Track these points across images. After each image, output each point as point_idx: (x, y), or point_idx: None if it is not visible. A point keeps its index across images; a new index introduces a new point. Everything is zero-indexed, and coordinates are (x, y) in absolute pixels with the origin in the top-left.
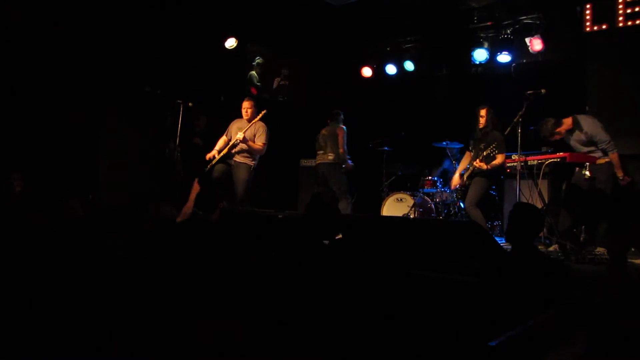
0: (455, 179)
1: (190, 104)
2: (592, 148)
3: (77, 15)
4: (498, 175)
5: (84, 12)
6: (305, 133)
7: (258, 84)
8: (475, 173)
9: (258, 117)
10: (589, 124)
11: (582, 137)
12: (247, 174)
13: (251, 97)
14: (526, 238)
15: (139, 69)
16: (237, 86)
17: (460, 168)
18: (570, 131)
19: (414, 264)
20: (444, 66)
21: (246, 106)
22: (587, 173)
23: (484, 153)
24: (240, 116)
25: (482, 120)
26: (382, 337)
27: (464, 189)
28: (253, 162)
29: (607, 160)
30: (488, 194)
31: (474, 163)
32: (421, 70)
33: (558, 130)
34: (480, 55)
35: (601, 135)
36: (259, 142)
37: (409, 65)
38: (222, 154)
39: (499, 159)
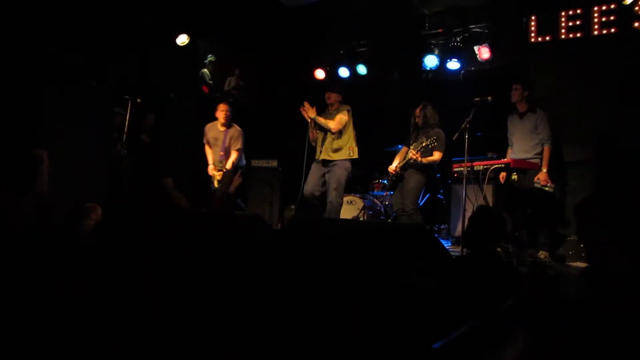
0: (391, 167)
1: (138, 100)
2: (534, 142)
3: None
4: (432, 175)
5: None
6: (255, 133)
7: (210, 82)
8: (409, 165)
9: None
10: (542, 112)
11: (533, 122)
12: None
13: (227, 102)
14: (487, 242)
15: (85, 62)
16: (188, 84)
17: (395, 160)
18: (522, 114)
19: (360, 266)
20: (396, 71)
21: (223, 108)
22: (515, 177)
23: (423, 144)
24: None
25: (419, 120)
26: (322, 340)
27: (394, 178)
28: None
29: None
30: (423, 193)
31: (409, 153)
32: (373, 75)
33: (526, 92)
34: (430, 61)
35: (547, 126)
36: (235, 150)
37: (361, 69)
38: (221, 173)
39: (436, 155)
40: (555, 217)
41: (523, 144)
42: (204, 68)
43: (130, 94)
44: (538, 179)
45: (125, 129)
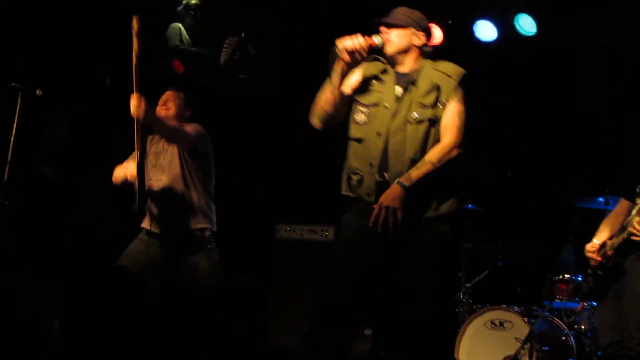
0: (591, 249)
1: (38, 91)
2: None
3: None
4: None
5: None
6: (280, 162)
7: (192, 49)
8: (635, 244)
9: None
10: None
11: None
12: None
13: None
14: None
15: None
16: (142, 57)
17: (602, 231)
18: None
19: None
20: (600, 29)
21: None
22: None
23: None
24: None
25: None
26: None
27: (601, 272)
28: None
29: None
30: None
31: (635, 217)
32: (549, 36)
33: None
34: None
35: None
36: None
37: (526, 24)
38: None
39: None
40: None
41: None
42: (178, 22)
43: (22, 79)
44: None
45: (9, 149)
